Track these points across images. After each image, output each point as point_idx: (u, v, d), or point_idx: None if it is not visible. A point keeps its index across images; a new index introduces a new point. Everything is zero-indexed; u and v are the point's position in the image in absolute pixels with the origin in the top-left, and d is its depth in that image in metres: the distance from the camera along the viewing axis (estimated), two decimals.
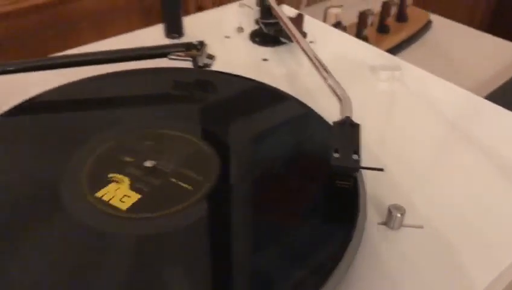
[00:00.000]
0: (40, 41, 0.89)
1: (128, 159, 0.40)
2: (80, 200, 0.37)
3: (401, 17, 1.05)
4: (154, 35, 0.71)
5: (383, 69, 0.62)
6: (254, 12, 0.70)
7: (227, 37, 0.72)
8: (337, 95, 0.47)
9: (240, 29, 0.70)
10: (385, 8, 0.98)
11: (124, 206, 0.36)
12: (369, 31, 0.98)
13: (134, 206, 0.36)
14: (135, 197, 0.37)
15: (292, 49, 0.68)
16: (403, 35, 1.02)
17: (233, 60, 0.65)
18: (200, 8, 1.08)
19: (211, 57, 0.53)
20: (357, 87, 0.55)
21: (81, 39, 0.95)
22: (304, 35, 0.67)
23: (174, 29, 0.70)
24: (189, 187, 0.38)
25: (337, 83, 0.49)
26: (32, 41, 0.88)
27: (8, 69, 0.50)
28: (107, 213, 0.36)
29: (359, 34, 0.96)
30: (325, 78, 0.50)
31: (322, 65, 0.52)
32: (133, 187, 0.38)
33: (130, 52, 0.52)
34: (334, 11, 0.91)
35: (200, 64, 0.52)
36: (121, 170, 0.39)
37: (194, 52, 0.52)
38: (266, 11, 0.67)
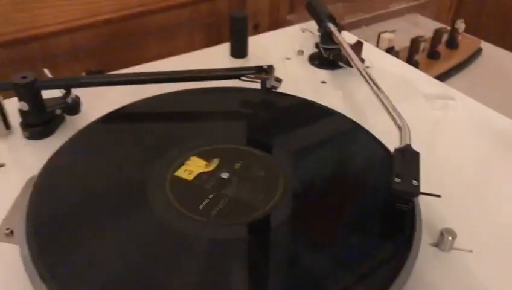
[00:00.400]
0: (109, 52, 0.96)
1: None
2: (166, 205, 0.42)
3: (452, 43, 1.07)
4: (218, 54, 0.77)
5: (437, 98, 0.65)
6: (315, 36, 0.75)
7: (288, 58, 0.76)
8: (396, 123, 0.51)
9: (300, 52, 0.75)
10: (437, 35, 1.00)
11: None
12: (420, 56, 1.01)
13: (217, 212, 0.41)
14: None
15: (348, 74, 0.72)
16: (453, 62, 1.04)
17: (293, 80, 0.70)
18: (256, 26, 1.14)
19: (278, 80, 0.58)
20: (412, 114, 0.59)
21: (146, 52, 1.02)
22: (362, 61, 0.71)
23: (240, 50, 0.76)
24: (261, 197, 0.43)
25: (396, 111, 0.53)
26: (103, 52, 0.96)
27: (97, 81, 0.56)
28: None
29: (410, 59, 0.99)
30: (385, 106, 0.54)
31: (382, 92, 0.56)
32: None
33: (207, 73, 0.57)
34: (387, 36, 0.95)
35: (268, 86, 0.57)
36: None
37: (263, 75, 0.56)
38: (326, 37, 0.72)
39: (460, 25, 1.04)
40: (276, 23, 1.16)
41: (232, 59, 0.76)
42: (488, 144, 0.58)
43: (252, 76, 0.56)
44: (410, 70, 0.75)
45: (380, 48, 0.97)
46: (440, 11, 1.52)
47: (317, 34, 0.74)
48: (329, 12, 0.74)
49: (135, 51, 1.00)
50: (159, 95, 0.57)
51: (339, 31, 0.72)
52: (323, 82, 0.71)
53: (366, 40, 0.79)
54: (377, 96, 0.56)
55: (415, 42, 0.96)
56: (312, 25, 0.80)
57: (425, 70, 1.01)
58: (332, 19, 0.74)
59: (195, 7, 1.04)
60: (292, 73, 0.72)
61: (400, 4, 1.13)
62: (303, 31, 0.73)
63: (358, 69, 0.62)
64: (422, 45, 0.96)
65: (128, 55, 0.99)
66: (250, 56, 0.77)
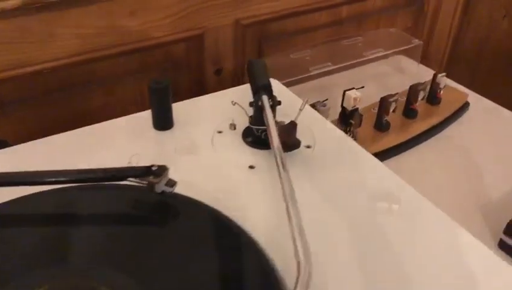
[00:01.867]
0: (47, 104, 0.88)
1: None
2: None
3: (433, 99, 0.95)
4: (141, 123, 0.67)
5: (380, 200, 0.54)
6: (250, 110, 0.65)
7: (219, 132, 0.66)
8: (297, 257, 0.41)
9: (232, 126, 0.65)
10: (412, 92, 0.89)
11: None
12: (393, 115, 0.89)
13: None
14: None
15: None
16: (432, 121, 0.93)
17: (215, 166, 0.60)
18: (218, 72, 1.04)
19: (171, 183, 0.48)
20: (349, 212, 0.49)
21: (90, 103, 0.93)
22: (296, 143, 0.61)
23: (163, 122, 0.66)
24: None
25: (303, 238, 0.42)
26: (38, 103, 0.87)
27: None
28: None
29: (379, 120, 0.88)
30: (291, 225, 0.44)
31: (294, 203, 0.46)
32: None
33: (84, 175, 0.47)
34: (352, 94, 0.84)
35: (158, 191, 0.47)
36: None
37: (151, 179, 0.47)
38: (259, 112, 0.62)
39: (441, 79, 0.92)
40: (242, 68, 1.06)
41: (156, 131, 0.66)
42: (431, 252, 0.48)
43: (135, 180, 0.46)
44: (359, 156, 0.64)
45: (346, 107, 0.86)
46: (431, 54, 1.40)
47: (250, 108, 0.63)
48: (266, 82, 0.64)
49: (77, 102, 0.91)
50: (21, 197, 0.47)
51: (274, 105, 0.62)
52: (252, 167, 0.60)
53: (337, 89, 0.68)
54: (286, 207, 0.46)
55: (384, 102, 0.85)
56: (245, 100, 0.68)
57: (400, 130, 0.90)
58: (269, 91, 0.63)
59: (147, 52, 0.94)
60: (218, 153, 0.62)
61: (381, 51, 1.02)
62: (233, 103, 0.63)
63: (276, 161, 0.52)
64: (393, 106, 0.84)
65: (70, 107, 0.91)
66: (177, 126, 0.67)
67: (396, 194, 0.56)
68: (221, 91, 0.76)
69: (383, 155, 0.87)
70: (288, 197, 0.47)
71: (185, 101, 0.73)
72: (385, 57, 1.11)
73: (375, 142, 0.87)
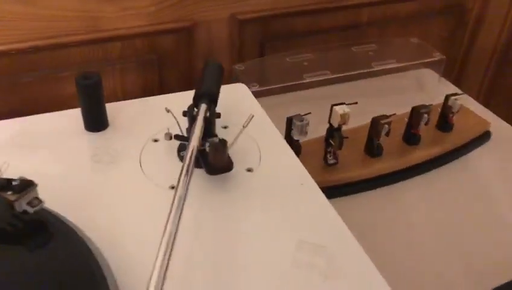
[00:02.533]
0: (13, 90, 0.83)
1: None
2: None
3: (444, 126, 0.82)
4: (70, 122, 0.60)
5: (307, 253, 0.44)
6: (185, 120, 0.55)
7: (155, 140, 0.58)
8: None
9: (167, 136, 0.56)
10: (414, 115, 0.76)
11: None
12: (391, 139, 0.77)
13: None
14: None
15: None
16: (437, 150, 0.79)
17: (139, 181, 0.51)
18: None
19: (35, 203, 0.40)
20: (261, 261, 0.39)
21: (61, 91, 0.86)
22: (227, 166, 0.51)
23: (94, 122, 0.58)
24: None
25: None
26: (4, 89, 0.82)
27: None
28: None
29: (370, 144, 0.76)
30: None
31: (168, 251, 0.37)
32: None
33: None
34: (340, 110, 0.72)
35: (18, 209, 0.39)
36: None
37: (8, 195, 0.39)
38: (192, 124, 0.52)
39: (455, 103, 0.78)
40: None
41: (86, 132, 0.59)
42: None
43: None
44: (304, 186, 0.53)
45: (332, 123, 0.75)
46: (469, 75, 1.24)
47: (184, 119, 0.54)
48: (211, 89, 0.55)
49: (46, 89, 0.85)
50: None
51: (211, 118, 0.52)
52: (173, 187, 0.51)
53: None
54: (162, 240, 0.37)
55: (375, 124, 0.73)
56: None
57: (395, 156, 0.77)
58: (211, 100, 0.54)
59: (129, 42, 0.87)
60: (142, 166, 0.54)
61: (392, 63, 0.89)
62: (167, 110, 0.54)
63: (178, 180, 0.43)
64: (385, 129, 0.72)
65: (41, 92, 0.85)
66: (112, 128, 0.59)
67: (332, 246, 0.45)
68: (179, 93, 0.67)
69: (371, 183, 0.75)
70: (170, 230, 0.38)
71: (134, 100, 0.65)
72: (402, 69, 0.98)
73: (364, 168, 0.75)
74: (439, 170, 0.79)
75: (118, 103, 0.64)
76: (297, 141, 0.74)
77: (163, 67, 0.91)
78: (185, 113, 0.53)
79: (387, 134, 0.73)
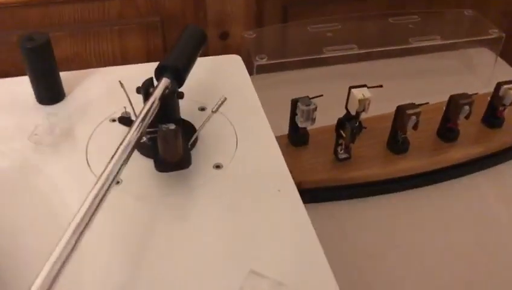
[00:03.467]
0: None
1: None
2: None
3: (491, 120, 0.67)
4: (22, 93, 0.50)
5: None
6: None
7: (113, 120, 0.47)
8: None
9: (126, 115, 0.45)
10: (452, 105, 0.61)
11: None
12: (422, 133, 0.63)
13: None
14: None
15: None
16: (479, 150, 0.64)
17: (70, 168, 0.42)
18: (223, 36, 0.83)
19: None
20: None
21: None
22: (183, 161, 0.40)
23: (41, 92, 0.49)
24: None
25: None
26: None
27: None
28: None
29: (394, 138, 0.62)
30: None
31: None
32: None
33: None
34: (358, 94, 0.59)
35: None
36: None
37: None
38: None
39: (507, 93, 0.63)
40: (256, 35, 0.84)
41: (36, 104, 0.49)
42: None
43: None
44: (282, 188, 0.42)
45: (349, 110, 0.62)
46: None
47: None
48: (179, 63, 0.43)
49: None
50: None
51: (171, 97, 0.41)
52: (118, 182, 0.41)
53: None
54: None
55: (401, 114, 0.59)
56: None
57: (425, 155, 0.63)
58: (178, 76, 0.42)
59: (129, 1, 0.77)
60: (92, 155, 0.44)
61: (436, 39, 0.74)
62: (121, 85, 0.43)
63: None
64: (413, 120, 0.58)
65: None
66: (68, 101, 0.50)
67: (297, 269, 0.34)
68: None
69: (392, 184, 0.62)
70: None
71: (108, 68, 0.55)
72: (450, 47, 0.82)
73: (384, 166, 0.62)
74: (480, 174, 0.65)
75: (88, 70, 0.54)
76: (305, 128, 0.62)
77: (168, 31, 0.81)
78: (138, 90, 0.42)
79: (414, 127, 0.59)
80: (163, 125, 0.38)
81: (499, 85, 0.63)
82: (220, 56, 0.57)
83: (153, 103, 0.40)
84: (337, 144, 0.60)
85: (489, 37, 0.76)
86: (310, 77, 0.74)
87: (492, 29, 0.76)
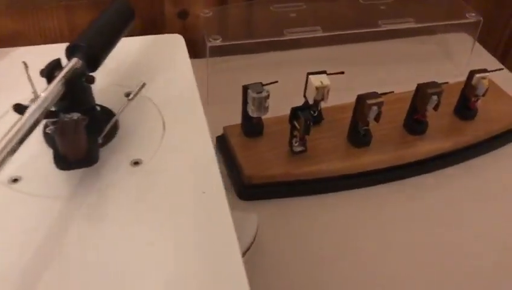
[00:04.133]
0: None
1: None
2: None
3: (463, 112, 0.61)
4: None
5: None
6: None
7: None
8: None
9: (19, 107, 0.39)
10: (419, 95, 0.56)
11: None
12: (387, 125, 0.58)
13: None
14: None
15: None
16: (449, 144, 0.59)
17: None
18: (182, 15, 0.77)
19: None
20: None
21: None
22: (87, 157, 0.34)
23: None
24: None
25: None
26: None
27: None
28: None
29: (354, 129, 0.57)
30: None
31: None
32: None
33: None
34: (315, 81, 0.53)
35: None
36: None
37: None
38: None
39: (481, 82, 0.57)
40: (220, 15, 0.78)
41: None
42: None
43: None
44: (208, 192, 0.36)
45: (307, 97, 0.57)
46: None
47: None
48: (94, 41, 0.37)
49: None
50: None
51: (75, 83, 0.35)
52: (15, 180, 0.35)
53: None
54: None
55: (361, 103, 0.54)
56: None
57: (389, 148, 0.58)
58: (91, 57, 0.36)
59: None
60: None
61: (409, 22, 0.68)
62: (25, 66, 0.37)
63: None
64: (375, 110, 0.53)
65: None
66: None
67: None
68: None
69: (351, 180, 0.57)
70: None
71: (19, 48, 0.49)
72: (424, 31, 0.77)
73: (343, 160, 0.56)
74: (449, 169, 0.60)
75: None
76: (258, 118, 0.56)
77: None
78: (42, 72, 0.36)
79: (376, 118, 0.53)
80: (66, 115, 0.33)
81: (471, 74, 0.58)
82: (159, 36, 0.51)
83: (55, 87, 0.34)
84: (291, 136, 0.55)
85: (466, 21, 0.70)
86: (270, 61, 0.68)
87: (470, 12, 0.70)
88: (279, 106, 0.55)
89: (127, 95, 0.44)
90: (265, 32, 0.65)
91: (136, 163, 0.37)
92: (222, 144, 0.59)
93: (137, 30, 0.76)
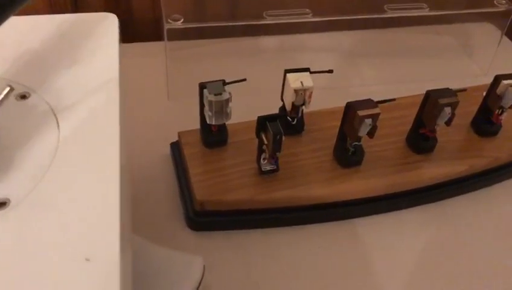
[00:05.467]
0: None
1: None
2: None
3: (483, 126, 0.49)
4: None
5: None
6: None
7: None
8: None
9: None
10: (429, 105, 0.43)
11: None
12: (385, 140, 0.46)
13: None
14: None
15: None
16: (462, 167, 0.47)
17: None
18: None
19: None
20: None
21: None
22: None
23: None
24: None
25: None
26: None
27: None
28: None
29: (340, 146, 0.44)
30: None
31: None
32: None
33: None
34: (294, 81, 0.41)
35: None
36: None
37: None
38: None
39: (509, 90, 0.44)
40: None
41: None
42: None
43: None
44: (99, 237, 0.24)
45: (284, 101, 0.45)
46: None
47: None
48: None
49: None
50: None
51: None
52: None
53: None
54: None
55: (350, 113, 0.41)
56: None
57: (394, 169, 0.45)
58: None
59: None
60: None
61: (422, 8, 0.55)
62: None
63: None
64: (367, 124, 0.40)
65: None
66: None
67: None
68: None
69: (331, 210, 0.45)
70: None
71: None
72: (442, 20, 0.63)
73: (325, 185, 0.44)
74: (460, 200, 0.47)
75: None
76: (221, 125, 0.44)
77: None
78: None
79: (370, 134, 0.41)
80: None
81: (497, 79, 0.45)
82: (86, 14, 0.38)
83: None
84: (259, 151, 0.42)
85: (494, 9, 0.57)
86: (244, 49, 0.56)
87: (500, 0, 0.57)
88: (256, 107, 0.43)
89: (23, 96, 0.32)
90: (240, 14, 0.52)
91: (2, 203, 0.25)
92: (176, 153, 0.47)
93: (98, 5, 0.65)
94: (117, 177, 0.27)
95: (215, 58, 0.55)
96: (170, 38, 0.50)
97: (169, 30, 0.49)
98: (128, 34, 0.61)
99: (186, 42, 0.53)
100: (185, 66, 0.54)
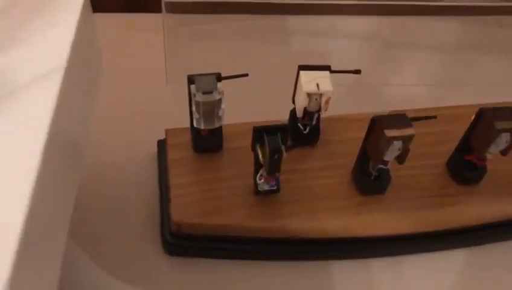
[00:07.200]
0: None
1: None
2: None
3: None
4: None
5: None
6: None
7: None
8: None
9: None
10: (479, 127, 0.33)
11: None
12: (425, 163, 0.36)
13: None
14: None
15: None
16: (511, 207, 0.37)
17: None
18: None
19: None
20: None
21: None
22: None
23: None
24: None
25: None
26: None
27: None
28: None
29: (361, 167, 0.35)
30: None
31: None
32: None
33: None
34: (308, 83, 0.32)
35: None
36: None
37: None
38: None
39: None
40: None
41: None
42: None
43: None
44: None
45: (296, 105, 0.35)
46: None
47: None
48: None
49: None
50: None
51: None
52: None
53: None
54: None
55: (375, 133, 0.32)
56: None
57: (426, 203, 0.36)
58: None
59: None
60: None
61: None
62: None
63: None
64: (397, 147, 0.31)
65: None
66: None
67: None
68: None
69: (356, 246, 0.36)
70: None
71: None
72: (495, 11, 0.52)
73: (341, 215, 0.35)
74: (507, 245, 0.38)
75: None
76: (216, 129, 0.35)
77: None
78: None
79: (400, 159, 0.31)
80: None
81: None
82: None
83: None
84: (256, 167, 0.34)
85: None
86: (254, 27, 0.46)
87: None
88: (267, 103, 0.34)
89: None
90: None
91: None
92: (162, 154, 0.39)
93: None
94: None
95: (221, 39, 0.46)
96: (168, 10, 0.41)
97: (167, 3, 0.40)
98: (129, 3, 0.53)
99: (187, 19, 0.44)
100: (186, 46, 0.46)
